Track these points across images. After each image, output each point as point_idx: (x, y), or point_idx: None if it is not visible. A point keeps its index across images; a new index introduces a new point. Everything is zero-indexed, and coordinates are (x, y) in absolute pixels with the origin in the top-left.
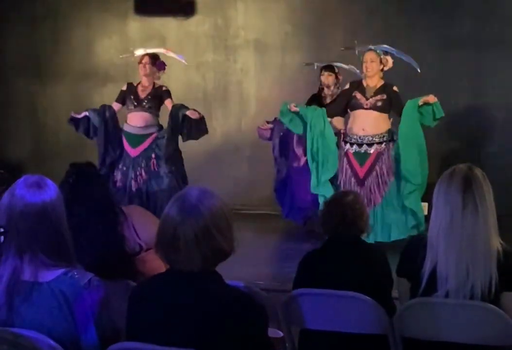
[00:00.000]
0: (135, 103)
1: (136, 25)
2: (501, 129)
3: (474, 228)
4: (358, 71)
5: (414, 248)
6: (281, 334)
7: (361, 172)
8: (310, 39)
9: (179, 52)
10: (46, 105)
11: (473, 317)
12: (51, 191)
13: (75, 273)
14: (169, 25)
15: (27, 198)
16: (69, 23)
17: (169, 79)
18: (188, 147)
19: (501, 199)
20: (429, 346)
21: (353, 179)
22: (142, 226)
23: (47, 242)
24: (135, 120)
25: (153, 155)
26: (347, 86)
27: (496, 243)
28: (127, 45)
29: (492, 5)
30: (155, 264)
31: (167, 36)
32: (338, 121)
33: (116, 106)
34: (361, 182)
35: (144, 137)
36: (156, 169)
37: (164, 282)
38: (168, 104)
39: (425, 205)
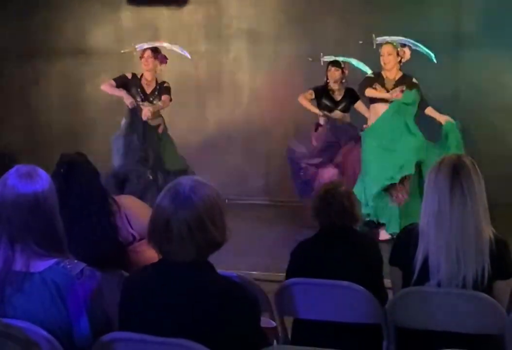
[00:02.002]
0: (142, 97)
1: (128, 15)
2: (492, 122)
3: (463, 217)
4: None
5: (406, 237)
6: (274, 324)
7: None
8: (303, 29)
9: (172, 42)
10: (38, 95)
11: (465, 306)
12: (43, 181)
13: (67, 263)
14: (161, 15)
15: (19, 188)
16: (62, 13)
17: (162, 69)
18: (181, 137)
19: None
20: (422, 335)
21: None
22: (135, 216)
23: (39, 232)
24: (143, 113)
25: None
26: (371, 76)
27: (488, 231)
28: (120, 35)
29: None
30: (147, 254)
31: (160, 26)
32: (346, 116)
33: (111, 84)
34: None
35: (151, 128)
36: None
37: (157, 272)
38: (166, 101)
39: None
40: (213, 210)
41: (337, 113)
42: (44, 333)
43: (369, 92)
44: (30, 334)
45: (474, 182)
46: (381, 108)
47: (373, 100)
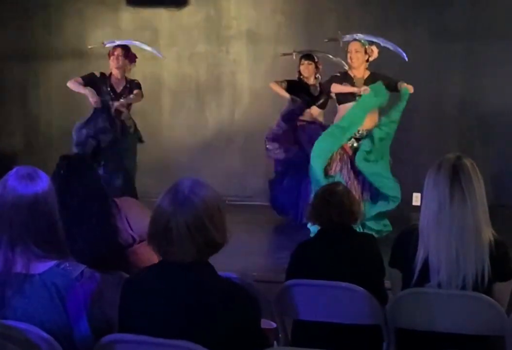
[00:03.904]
0: (113, 96)
1: (128, 16)
2: (495, 121)
3: (462, 218)
4: (345, 63)
5: (406, 239)
6: (274, 325)
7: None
8: (303, 30)
9: (172, 43)
10: (38, 95)
11: (465, 307)
12: (43, 183)
13: (67, 265)
14: (161, 16)
15: (19, 190)
16: (62, 15)
17: (162, 71)
18: (181, 138)
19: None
20: (422, 336)
21: (352, 172)
22: (135, 217)
23: (39, 234)
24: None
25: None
26: (338, 74)
27: (488, 233)
28: (119, 36)
29: None
30: (148, 256)
31: (160, 27)
32: (320, 113)
33: (78, 81)
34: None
35: None
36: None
37: (157, 273)
38: (138, 95)
39: (417, 196)
40: (213, 211)
41: (315, 109)
42: (45, 334)
43: (335, 88)
44: (30, 336)
45: (473, 183)
46: (349, 108)
47: (341, 101)
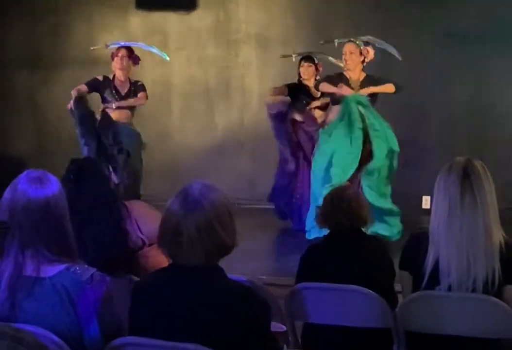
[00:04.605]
0: (118, 99)
1: (137, 20)
2: (505, 124)
3: (473, 220)
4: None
5: (416, 242)
6: (284, 328)
7: None
8: (312, 33)
9: (181, 47)
10: (47, 100)
11: (475, 310)
12: (53, 187)
13: (77, 268)
14: (170, 19)
15: (29, 193)
16: (70, 18)
17: (171, 74)
18: (190, 141)
19: None
20: (432, 339)
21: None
22: (145, 221)
23: (50, 237)
24: (116, 117)
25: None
26: (332, 75)
27: (498, 236)
28: (128, 40)
29: None
30: (158, 259)
31: (169, 31)
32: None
33: (82, 88)
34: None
35: None
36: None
37: (167, 276)
38: (142, 97)
39: (427, 198)
40: (222, 215)
41: (316, 111)
42: (55, 337)
43: (324, 87)
44: (40, 339)
45: (484, 185)
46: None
47: (335, 101)
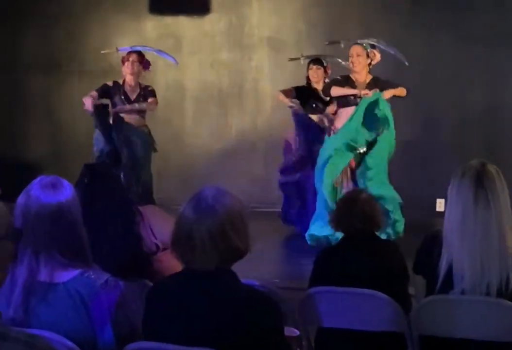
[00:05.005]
0: (127, 104)
1: (151, 24)
2: None
3: (487, 224)
4: None
5: (429, 245)
6: (297, 332)
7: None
8: (325, 37)
9: (194, 50)
10: (62, 104)
11: (489, 313)
12: (66, 192)
13: (91, 273)
14: (184, 24)
15: (42, 199)
16: (85, 23)
17: (185, 78)
18: (203, 145)
19: None
20: (446, 343)
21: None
22: (159, 225)
23: (63, 242)
24: (126, 121)
25: None
26: (339, 77)
27: None
28: (142, 44)
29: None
30: (171, 263)
31: (182, 35)
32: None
33: (93, 96)
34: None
35: None
36: None
37: (180, 281)
38: (153, 103)
39: (441, 201)
40: (235, 219)
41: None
42: (69, 343)
43: (335, 91)
44: (54, 344)
45: (498, 189)
46: (351, 112)
47: (342, 104)
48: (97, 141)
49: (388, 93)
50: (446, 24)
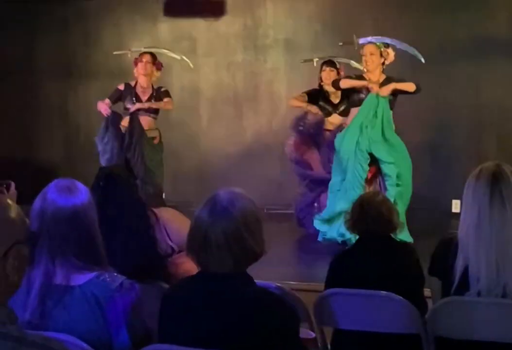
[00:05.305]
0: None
1: (166, 26)
2: None
3: (502, 226)
4: None
5: (445, 247)
6: (313, 335)
7: (370, 171)
8: (340, 38)
9: (209, 53)
10: (77, 108)
11: (506, 315)
12: (82, 195)
13: (107, 276)
14: (198, 26)
15: (58, 202)
16: (100, 26)
17: (200, 80)
18: (219, 147)
19: None
20: (462, 345)
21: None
22: (174, 228)
23: (79, 245)
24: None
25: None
26: (352, 75)
27: None
28: (157, 47)
29: None
30: (187, 266)
31: (197, 37)
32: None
33: (106, 103)
34: (369, 181)
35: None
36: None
37: (196, 284)
38: (169, 102)
39: (456, 202)
40: (251, 222)
41: (335, 118)
42: (85, 345)
43: (345, 82)
44: (71, 347)
45: None
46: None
47: (354, 104)
48: (100, 141)
49: (388, 87)
50: (462, 23)
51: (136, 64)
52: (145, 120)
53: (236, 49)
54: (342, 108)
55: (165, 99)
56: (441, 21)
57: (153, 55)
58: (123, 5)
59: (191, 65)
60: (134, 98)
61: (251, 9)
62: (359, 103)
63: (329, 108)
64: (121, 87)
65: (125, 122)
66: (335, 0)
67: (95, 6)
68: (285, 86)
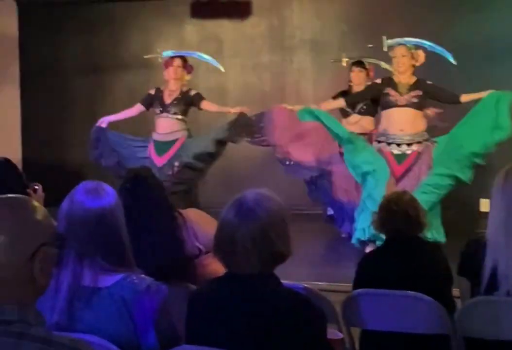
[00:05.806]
0: (161, 109)
1: (192, 28)
2: None
3: None
4: None
5: (473, 247)
6: (340, 335)
7: (399, 171)
8: (367, 38)
9: (236, 54)
10: (105, 108)
11: None
12: (109, 197)
13: (134, 278)
14: (225, 27)
15: (86, 204)
16: (126, 28)
17: (226, 81)
18: (245, 148)
19: None
20: (491, 345)
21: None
22: (201, 229)
23: (107, 247)
24: (160, 127)
25: (176, 163)
26: (378, 81)
27: None
28: (184, 48)
29: None
30: (214, 267)
31: (224, 39)
32: (367, 121)
33: (138, 108)
34: (396, 181)
35: (169, 144)
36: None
37: (223, 285)
38: (207, 106)
39: (485, 201)
40: (277, 223)
41: (354, 117)
42: (113, 347)
43: (465, 97)
44: (98, 349)
45: None
46: (396, 113)
47: (386, 105)
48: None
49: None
50: (486, 22)
51: (166, 67)
52: (167, 122)
53: (262, 50)
54: (360, 106)
55: (202, 104)
56: (468, 19)
57: (183, 58)
58: (149, 7)
59: (222, 69)
60: (158, 102)
61: (277, 9)
62: (386, 105)
63: (348, 109)
64: (152, 91)
65: (159, 128)
66: (362, 0)
67: (122, 8)
68: (312, 86)
